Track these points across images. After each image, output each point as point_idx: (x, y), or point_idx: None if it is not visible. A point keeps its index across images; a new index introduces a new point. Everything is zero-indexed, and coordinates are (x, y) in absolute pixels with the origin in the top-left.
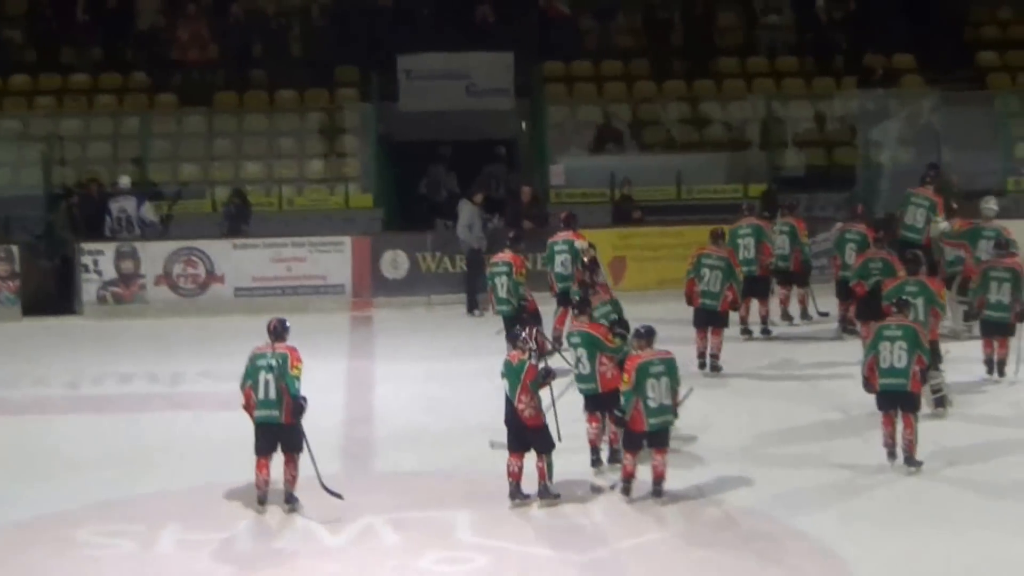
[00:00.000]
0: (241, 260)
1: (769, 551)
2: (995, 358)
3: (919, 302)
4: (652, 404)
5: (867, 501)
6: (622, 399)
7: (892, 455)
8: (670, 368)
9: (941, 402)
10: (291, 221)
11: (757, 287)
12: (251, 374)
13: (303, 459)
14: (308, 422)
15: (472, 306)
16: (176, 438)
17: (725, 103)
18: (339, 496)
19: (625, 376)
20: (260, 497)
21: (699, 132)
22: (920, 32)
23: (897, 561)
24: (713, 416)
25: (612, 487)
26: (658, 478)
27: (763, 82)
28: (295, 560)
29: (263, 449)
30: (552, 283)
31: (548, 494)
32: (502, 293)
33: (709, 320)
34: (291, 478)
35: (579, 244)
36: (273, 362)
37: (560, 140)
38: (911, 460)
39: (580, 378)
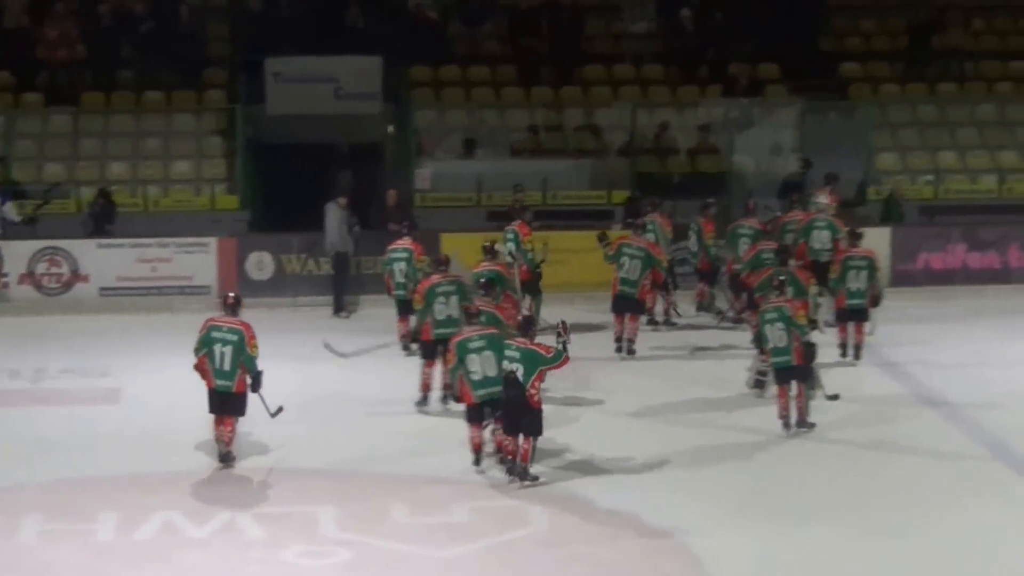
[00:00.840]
0: (106, 260)
1: (632, 549)
2: (851, 342)
3: (788, 292)
4: (475, 377)
5: (732, 497)
6: (449, 376)
7: (787, 425)
8: (491, 343)
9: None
10: (156, 222)
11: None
12: (206, 343)
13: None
14: (173, 419)
15: (338, 308)
16: (38, 432)
17: (591, 110)
18: (281, 409)
19: (448, 355)
20: (220, 453)
21: (565, 138)
22: (784, 42)
23: (755, 558)
24: (605, 403)
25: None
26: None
27: (629, 90)
28: (157, 551)
29: (216, 410)
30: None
31: (527, 475)
32: (400, 278)
33: (627, 307)
34: (228, 438)
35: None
36: (231, 337)
37: (427, 144)
38: (803, 423)
39: None
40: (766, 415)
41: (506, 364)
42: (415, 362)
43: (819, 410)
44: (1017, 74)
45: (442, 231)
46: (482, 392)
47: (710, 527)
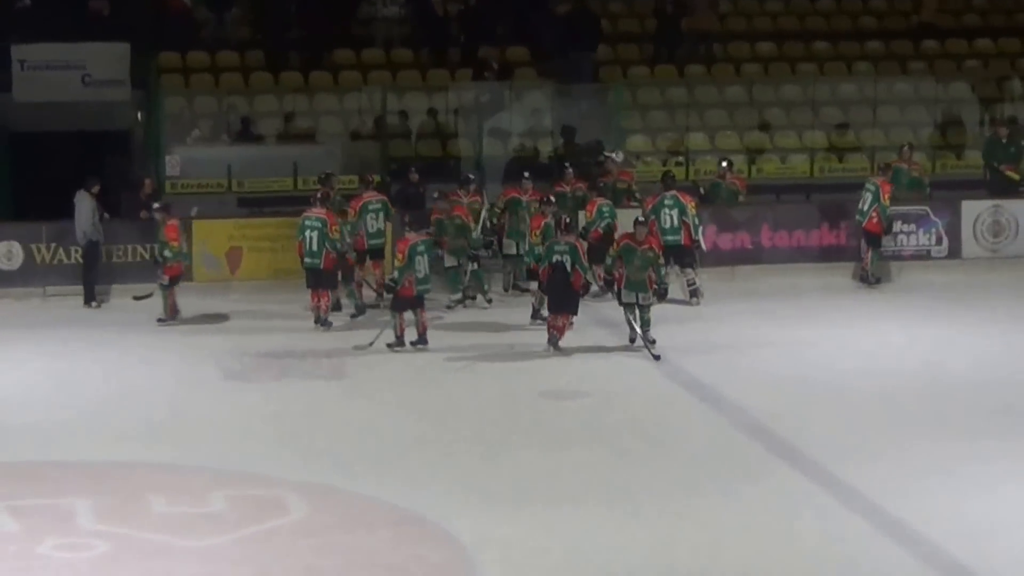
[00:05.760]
0: None
1: (391, 536)
2: None
3: (674, 213)
4: (420, 275)
5: (490, 483)
6: (396, 273)
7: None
8: (428, 247)
9: (695, 293)
10: None
11: None
12: (300, 231)
13: None
14: None
15: (89, 298)
16: None
17: (341, 95)
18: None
19: (399, 255)
20: (315, 318)
21: (315, 123)
22: (534, 26)
23: (514, 542)
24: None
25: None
26: (423, 331)
27: (379, 74)
28: None
29: (311, 285)
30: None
31: (558, 347)
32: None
33: None
34: (324, 307)
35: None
36: (317, 224)
37: (176, 131)
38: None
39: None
40: (521, 401)
41: (556, 257)
42: (167, 346)
43: (572, 396)
44: (764, 55)
45: (194, 218)
46: (421, 288)
47: (469, 513)
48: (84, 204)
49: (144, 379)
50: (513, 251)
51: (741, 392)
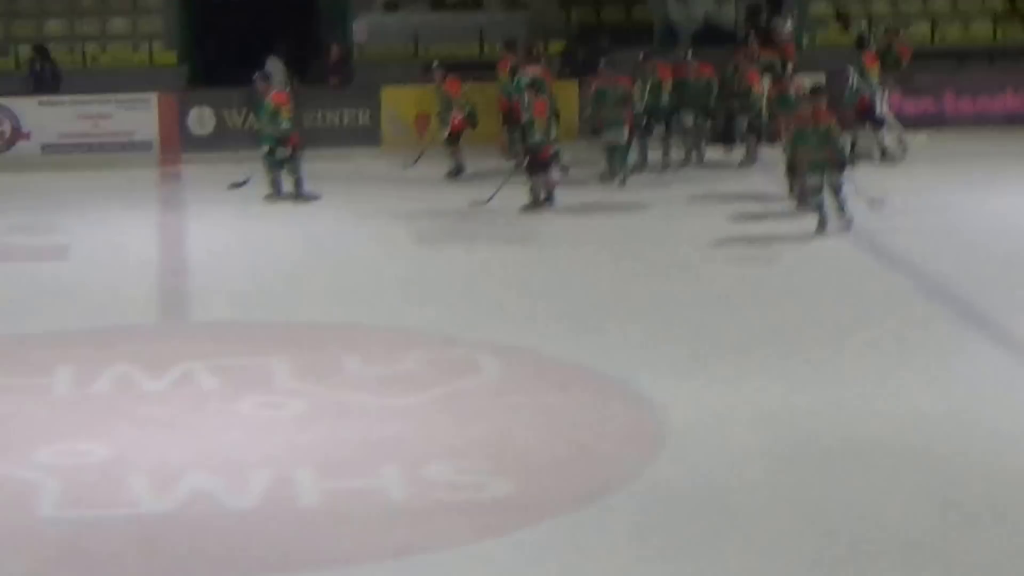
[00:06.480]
0: (47, 117)
1: (581, 396)
2: None
3: (856, 75)
4: (553, 136)
5: (683, 343)
6: (538, 136)
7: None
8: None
9: (885, 154)
10: (95, 78)
11: None
12: (517, 89)
13: None
14: (123, 273)
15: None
16: None
17: None
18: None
19: (540, 119)
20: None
21: None
22: None
23: (705, 404)
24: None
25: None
26: (552, 190)
27: None
28: (114, 404)
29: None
30: None
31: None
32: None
33: None
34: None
35: None
36: (528, 81)
37: None
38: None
39: None
40: (713, 263)
41: None
42: (358, 210)
43: (756, 263)
44: None
45: (382, 84)
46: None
47: (658, 373)
48: (274, 70)
49: (337, 243)
50: (690, 123)
51: (923, 255)
